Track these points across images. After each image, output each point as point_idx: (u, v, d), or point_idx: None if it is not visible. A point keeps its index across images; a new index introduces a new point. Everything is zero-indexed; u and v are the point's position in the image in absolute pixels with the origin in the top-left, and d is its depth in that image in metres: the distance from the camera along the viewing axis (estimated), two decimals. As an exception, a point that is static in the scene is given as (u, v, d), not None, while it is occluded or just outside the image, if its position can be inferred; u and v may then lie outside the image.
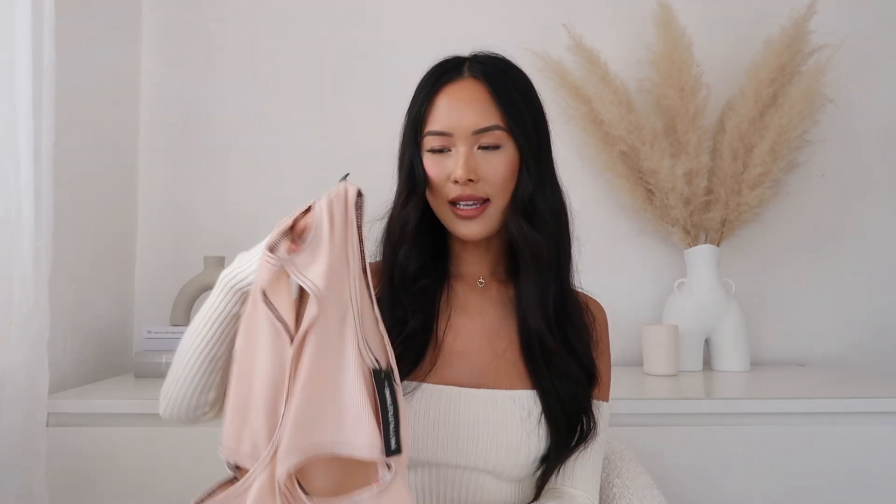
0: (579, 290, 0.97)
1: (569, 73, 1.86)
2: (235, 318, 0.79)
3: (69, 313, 1.56)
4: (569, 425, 0.88)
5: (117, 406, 1.35)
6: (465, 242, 0.94)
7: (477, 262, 0.96)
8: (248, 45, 1.95)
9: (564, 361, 0.89)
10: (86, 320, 1.64)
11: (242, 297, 0.78)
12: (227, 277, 0.79)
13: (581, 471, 0.90)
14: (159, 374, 1.58)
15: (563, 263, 0.93)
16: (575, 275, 0.96)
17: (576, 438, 0.89)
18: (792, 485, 1.36)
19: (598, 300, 1.00)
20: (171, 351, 1.57)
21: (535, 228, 0.89)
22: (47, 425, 1.28)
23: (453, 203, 0.89)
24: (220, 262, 1.69)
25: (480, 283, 0.96)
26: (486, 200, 0.88)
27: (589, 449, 0.90)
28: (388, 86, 1.92)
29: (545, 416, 0.88)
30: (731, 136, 1.79)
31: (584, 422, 0.89)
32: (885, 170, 1.96)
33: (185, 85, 1.94)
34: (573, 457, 0.89)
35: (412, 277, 0.91)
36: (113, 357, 1.76)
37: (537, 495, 0.91)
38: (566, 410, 0.88)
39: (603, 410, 0.94)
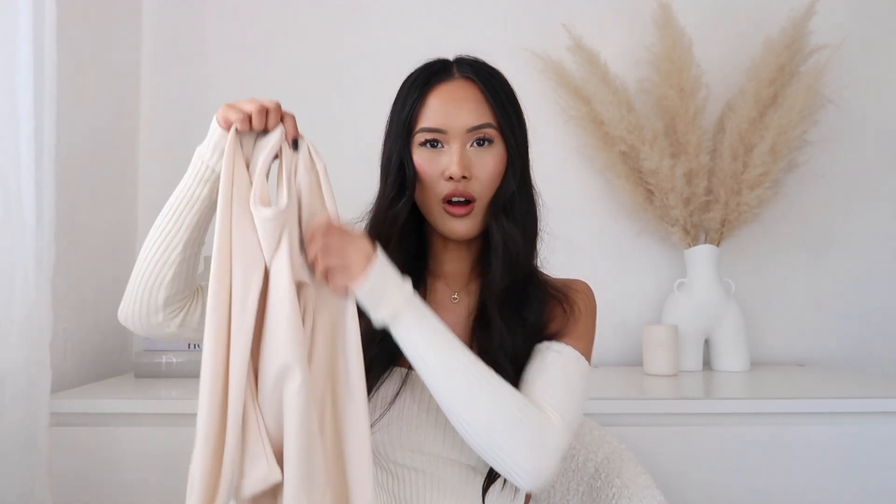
0: (560, 278, 0.97)
1: (569, 73, 1.86)
2: (198, 201, 0.84)
3: (70, 313, 1.56)
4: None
5: (118, 406, 1.36)
6: (446, 241, 0.94)
7: (458, 259, 0.96)
8: (248, 45, 1.95)
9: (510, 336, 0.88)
10: (87, 320, 1.64)
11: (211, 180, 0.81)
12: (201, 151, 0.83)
13: (541, 385, 0.85)
14: (159, 374, 1.58)
15: (529, 255, 0.94)
16: (541, 264, 0.97)
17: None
18: (791, 485, 1.36)
19: (583, 280, 0.98)
20: (172, 351, 1.60)
21: (513, 225, 0.90)
22: (49, 425, 1.28)
23: (446, 201, 0.89)
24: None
25: (454, 299, 0.96)
26: (471, 200, 0.89)
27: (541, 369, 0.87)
28: (389, 85, 1.92)
29: None
30: (730, 136, 1.79)
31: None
32: (885, 170, 1.96)
33: (185, 85, 1.94)
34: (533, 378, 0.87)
35: None
36: (113, 357, 1.76)
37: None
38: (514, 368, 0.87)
39: (564, 350, 0.88)
